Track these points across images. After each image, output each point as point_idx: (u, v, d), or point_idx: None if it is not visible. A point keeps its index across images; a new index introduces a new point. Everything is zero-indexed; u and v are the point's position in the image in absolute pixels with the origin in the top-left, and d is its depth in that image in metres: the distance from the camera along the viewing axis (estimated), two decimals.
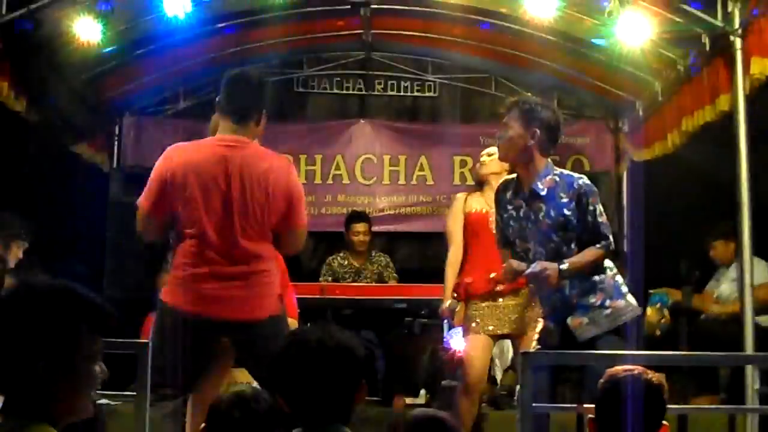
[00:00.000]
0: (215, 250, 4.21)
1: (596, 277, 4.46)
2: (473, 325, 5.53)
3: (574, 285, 4.45)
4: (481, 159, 5.85)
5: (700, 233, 7.58)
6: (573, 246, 4.42)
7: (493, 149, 5.79)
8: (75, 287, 2.06)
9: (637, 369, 3.07)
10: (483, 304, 5.52)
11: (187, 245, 4.25)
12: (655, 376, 3.02)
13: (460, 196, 5.90)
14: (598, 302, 4.46)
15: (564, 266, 4.34)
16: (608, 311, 4.44)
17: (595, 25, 7.24)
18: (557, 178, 4.46)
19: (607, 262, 4.52)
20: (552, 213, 4.40)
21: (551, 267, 4.33)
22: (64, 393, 2.00)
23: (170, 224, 4.32)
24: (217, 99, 4.44)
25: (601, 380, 3.05)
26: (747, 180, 6.18)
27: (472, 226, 5.68)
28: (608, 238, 4.43)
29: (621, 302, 4.45)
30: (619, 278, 4.54)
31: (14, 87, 6.52)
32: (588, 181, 4.50)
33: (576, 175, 4.57)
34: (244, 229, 4.22)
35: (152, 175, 4.27)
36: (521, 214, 4.50)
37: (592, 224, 4.41)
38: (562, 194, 4.41)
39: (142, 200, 4.27)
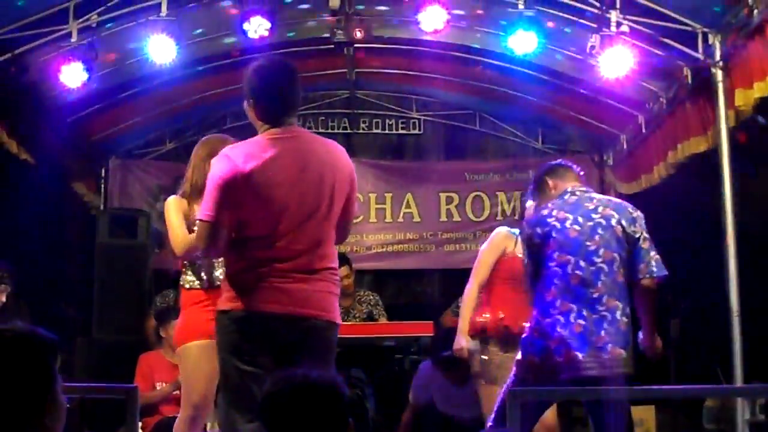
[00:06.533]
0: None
1: None
2: (489, 374, 5.25)
3: None
4: None
5: (686, 266, 7.57)
6: None
7: None
8: (29, 327, 2.04)
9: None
10: (503, 354, 5.17)
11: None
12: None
13: (507, 232, 5.42)
14: None
15: None
16: None
17: (578, 60, 7.30)
18: None
19: None
20: None
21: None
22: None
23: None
24: (246, 102, 3.93)
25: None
26: (732, 212, 6.22)
27: (513, 269, 5.16)
28: None
29: None
30: None
31: (6, 129, 6.59)
32: None
33: None
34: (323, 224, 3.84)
35: (213, 183, 3.77)
36: None
37: None
38: None
39: (208, 212, 3.76)
